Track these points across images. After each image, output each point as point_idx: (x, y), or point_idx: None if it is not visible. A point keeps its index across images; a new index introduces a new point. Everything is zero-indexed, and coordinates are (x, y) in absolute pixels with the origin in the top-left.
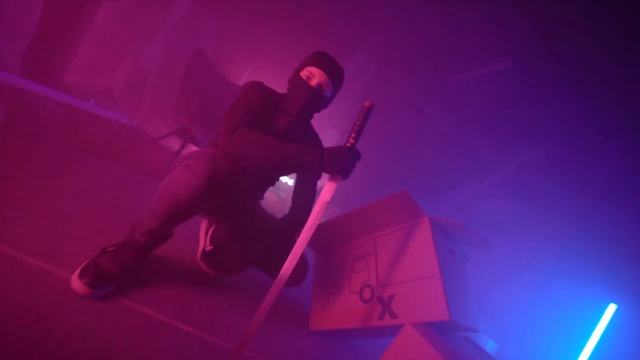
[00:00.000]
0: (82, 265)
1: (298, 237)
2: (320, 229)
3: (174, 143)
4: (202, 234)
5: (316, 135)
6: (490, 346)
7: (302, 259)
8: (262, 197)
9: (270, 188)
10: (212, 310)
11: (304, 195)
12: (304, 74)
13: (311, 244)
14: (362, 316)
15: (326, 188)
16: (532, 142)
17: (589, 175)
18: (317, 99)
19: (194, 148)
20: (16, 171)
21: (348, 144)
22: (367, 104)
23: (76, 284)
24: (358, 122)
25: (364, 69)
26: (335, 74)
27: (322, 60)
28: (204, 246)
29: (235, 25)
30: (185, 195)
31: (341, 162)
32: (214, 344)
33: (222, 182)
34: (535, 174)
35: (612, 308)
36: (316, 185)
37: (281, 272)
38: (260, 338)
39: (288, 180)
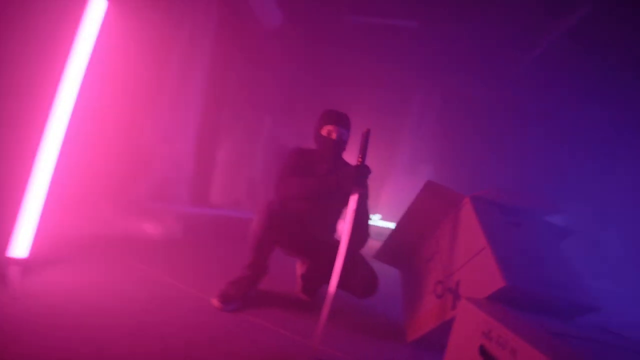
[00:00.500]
0: (218, 292)
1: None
2: (388, 244)
3: None
4: (298, 271)
5: (348, 164)
6: None
7: (367, 270)
8: (335, 230)
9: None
10: (306, 322)
11: (358, 215)
12: (324, 132)
13: (390, 261)
14: (440, 311)
15: (351, 199)
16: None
17: None
18: (340, 145)
19: None
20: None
21: (358, 163)
22: (365, 130)
23: (214, 301)
24: (361, 146)
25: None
26: (344, 123)
27: (333, 117)
28: (300, 281)
29: (307, 117)
30: (257, 229)
31: (353, 178)
32: (304, 343)
33: (278, 214)
34: None
35: None
36: (366, 203)
37: (334, 272)
38: (354, 345)
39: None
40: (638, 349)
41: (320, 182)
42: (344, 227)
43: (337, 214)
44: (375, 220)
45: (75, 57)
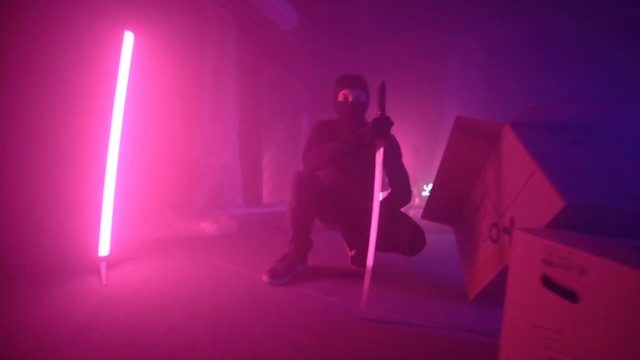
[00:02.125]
0: (267, 269)
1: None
2: (432, 201)
3: None
4: (345, 245)
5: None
6: None
7: (412, 227)
8: (369, 197)
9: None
10: (355, 287)
11: (396, 174)
12: (340, 98)
13: (440, 219)
14: (498, 256)
15: (377, 155)
16: None
17: None
18: (358, 107)
19: None
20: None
21: (377, 116)
22: (379, 83)
23: (264, 277)
24: (378, 99)
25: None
26: (359, 84)
27: (346, 81)
28: (350, 253)
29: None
30: (292, 203)
31: (375, 131)
32: (352, 307)
33: (307, 184)
34: None
35: None
36: (401, 163)
37: (371, 233)
38: (404, 304)
39: None
40: None
41: (341, 141)
42: (375, 182)
43: (369, 177)
44: (428, 190)
45: (120, 85)
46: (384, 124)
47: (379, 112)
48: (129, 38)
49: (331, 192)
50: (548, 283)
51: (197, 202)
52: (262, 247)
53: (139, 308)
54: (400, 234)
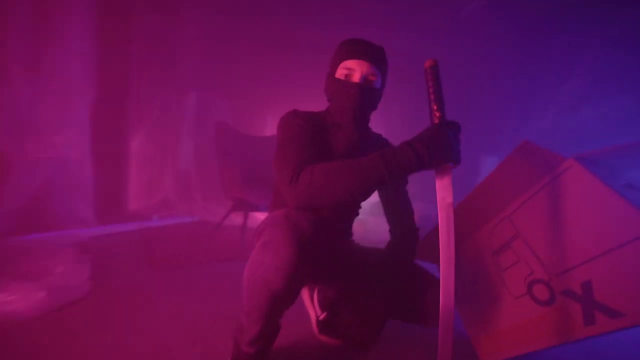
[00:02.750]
0: None
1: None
2: (432, 238)
3: (238, 218)
4: (307, 303)
5: (381, 137)
6: None
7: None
8: (351, 234)
9: None
10: None
11: (401, 210)
12: (340, 73)
13: (428, 257)
14: (556, 325)
15: (440, 186)
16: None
17: None
18: (367, 94)
19: (258, 214)
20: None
21: (436, 120)
22: (428, 63)
23: None
24: (431, 89)
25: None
26: (377, 57)
27: (355, 48)
28: (317, 316)
29: (240, 85)
30: (277, 280)
31: (443, 146)
32: None
33: (311, 242)
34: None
35: None
36: (407, 192)
37: (441, 315)
38: None
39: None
40: None
41: (384, 161)
42: (442, 239)
43: (357, 210)
44: None
45: None
46: (453, 134)
47: (437, 114)
48: None
49: (329, 232)
50: None
51: None
52: (152, 330)
53: None
54: (424, 298)
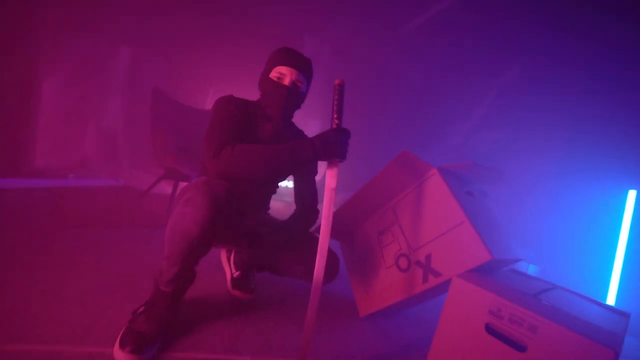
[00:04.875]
0: (119, 335)
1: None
2: (336, 217)
3: (167, 187)
4: (225, 263)
5: (301, 132)
6: (532, 270)
7: (331, 254)
8: (268, 208)
9: (274, 196)
10: (261, 332)
11: (305, 193)
12: (273, 75)
13: (333, 234)
14: (407, 285)
15: (329, 175)
16: (506, 60)
17: (569, 72)
18: (294, 97)
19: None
20: (17, 266)
21: (334, 126)
22: (337, 82)
23: (120, 355)
24: (335, 102)
25: (318, 49)
26: (304, 67)
27: (288, 56)
28: (231, 274)
29: (184, 52)
30: (195, 230)
31: (334, 145)
32: None
33: (225, 204)
34: (517, 91)
35: (632, 195)
36: (314, 180)
37: (315, 274)
38: (317, 341)
39: (288, 184)
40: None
41: (290, 150)
42: (324, 212)
43: (275, 189)
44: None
45: None
46: (345, 138)
47: (336, 121)
48: None
49: (238, 206)
50: (492, 331)
51: None
52: (69, 275)
53: None
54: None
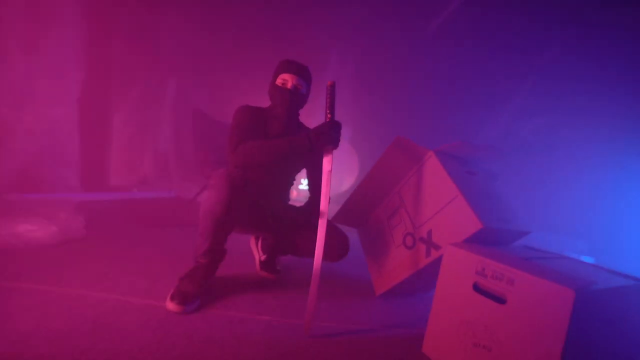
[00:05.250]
0: (170, 293)
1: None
2: (348, 206)
3: None
4: (253, 248)
5: (308, 129)
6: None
7: (339, 234)
8: (288, 199)
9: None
10: (280, 301)
11: (317, 182)
12: (278, 82)
13: (349, 223)
14: (413, 261)
15: (325, 160)
16: (540, 45)
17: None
18: (296, 97)
19: None
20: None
21: (327, 119)
22: (329, 83)
23: (170, 305)
24: (328, 100)
25: (344, 59)
26: (303, 73)
27: (288, 66)
28: (259, 257)
29: (221, 78)
30: (217, 209)
31: (326, 135)
32: (290, 324)
33: (240, 187)
34: (554, 74)
35: None
36: (328, 182)
37: (317, 246)
38: (335, 310)
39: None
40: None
41: (287, 141)
42: (323, 190)
43: (291, 181)
44: (305, 184)
45: None
46: (336, 128)
47: (328, 115)
48: None
49: (258, 194)
50: (478, 289)
51: None
52: (139, 256)
53: None
54: (330, 242)
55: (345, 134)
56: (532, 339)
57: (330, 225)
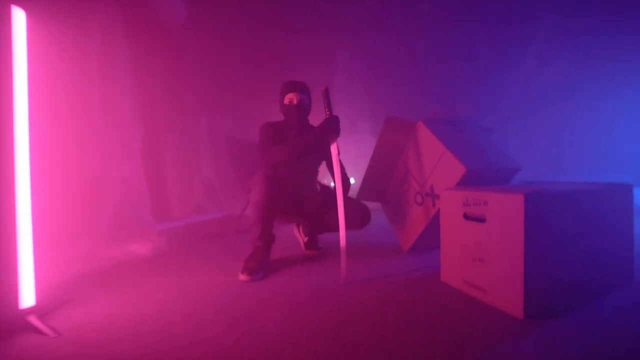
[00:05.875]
0: (240, 269)
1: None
2: (365, 185)
3: None
4: (296, 234)
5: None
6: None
7: (360, 205)
8: (315, 188)
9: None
10: (325, 267)
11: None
12: (286, 101)
13: (372, 198)
14: (425, 214)
15: (332, 148)
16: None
17: None
18: (302, 109)
19: None
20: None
21: (327, 116)
22: (323, 88)
23: (241, 277)
24: (324, 101)
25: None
26: (302, 88)
27: (291, 86)
28: (302, 240)
29: (246, 106)
30: (261, 200)
31: (328, 129)
32: (333, 279)
33: (275, 181)
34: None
35: None
36: (340, 165)
37: (339, 210)
38: (368, 266)
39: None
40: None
41: (299, 141)
42: (335, 172)
43: (315, 173)
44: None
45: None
46: (335, 122)
47: (327, 113)
48: (19, 16)
49: (290, 187)
50: (467, 216)
51: (100, 223)
52: (213, 256)
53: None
54: (352, 212)
55: (364, 126)
56: (507, 245)
57: (351, 199)
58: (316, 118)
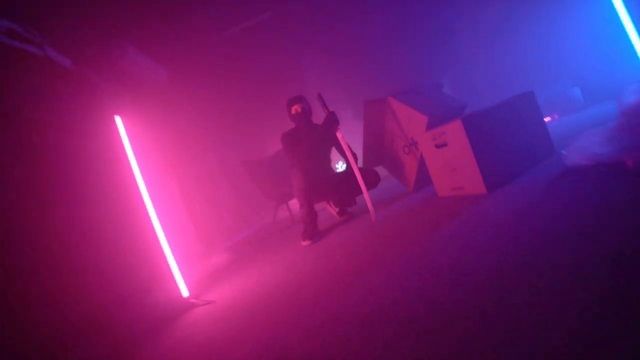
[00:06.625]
0: (301, 237)
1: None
2: (366, 155)
3: (283, 212)
4: (329, 209)
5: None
6: (576, 92)
7: (370, 170)
8: (333, 170)
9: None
10: (357, 222)
11: (341, 151)
12: (293, 112)
13: (374, 164)
14: (414, 158)
15: (338, 134)
16: None
17: None
18: (306, 114)
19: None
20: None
21: (326, 113)
22: (317, 94)
23: (304, 243)
24: (320, 103)
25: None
26: (301, 99)
27: (293, 100)
28: (335, 211)
29: (251, 130)
30: (302, 184)
31: (329, 122)
32: (365, 223)
33: (305, 170)
34: None
35: None
36: (344, 143)
37: (357, 178)
38: (386, 209)
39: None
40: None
41: (312, 137)
42: (345, 150)
43: (329, 158)
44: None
45: (132, 162)
46: (334, 116)
47: (326, 110)
48: (119, 121)
49: (316, 172)
50: (437, 146)
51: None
52: (270, 249)
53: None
54: (366, 176)
55: (346, 114)
56: (463, 153)
57: (362, 168)
58: (316, 118)
